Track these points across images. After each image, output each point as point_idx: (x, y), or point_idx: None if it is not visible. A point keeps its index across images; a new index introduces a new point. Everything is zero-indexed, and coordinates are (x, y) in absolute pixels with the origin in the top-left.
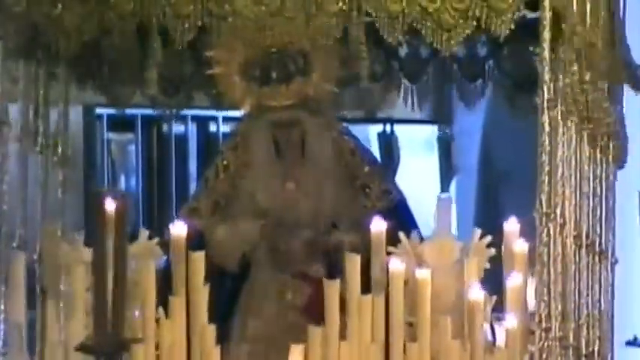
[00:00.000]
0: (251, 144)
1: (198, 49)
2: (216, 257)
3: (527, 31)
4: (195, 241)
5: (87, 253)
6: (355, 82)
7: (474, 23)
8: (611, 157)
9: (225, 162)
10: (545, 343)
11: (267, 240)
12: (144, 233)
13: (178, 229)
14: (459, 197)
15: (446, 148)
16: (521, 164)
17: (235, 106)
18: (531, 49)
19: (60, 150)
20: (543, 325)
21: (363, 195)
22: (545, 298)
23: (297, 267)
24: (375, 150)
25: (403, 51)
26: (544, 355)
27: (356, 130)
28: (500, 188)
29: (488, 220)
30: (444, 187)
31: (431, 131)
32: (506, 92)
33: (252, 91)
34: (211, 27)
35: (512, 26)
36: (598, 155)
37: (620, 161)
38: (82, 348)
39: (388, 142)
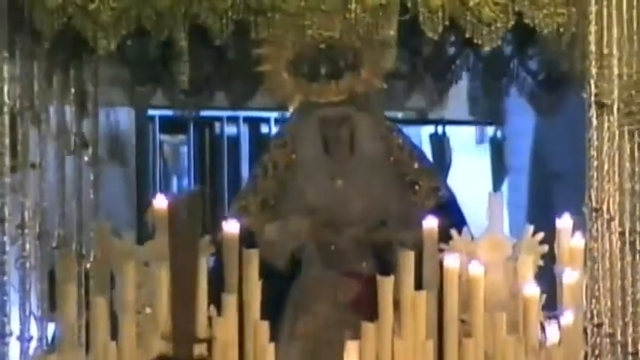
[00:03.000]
0: (299, 141)
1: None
2: (266, 255)
3: None
4: (245, 239)
5: (137, 251)
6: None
7: (515, 18)
8: None
9: (273, 160)
10: (597, 340)
11: (316, 238)
12: None
13: (231, 226)
14: (511, 197)
15: (498, 149)
16: (574, 163)
17: (284, 104)
18: None
19: (90, 151)
20: (595, 321)
21: (412, 192)
22: (597, 294)
23: (346, 264)
24: (427, 151)
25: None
26: (596, 352)
27: (408, 131)
28: (553, 188)
29: (541, 220)
30: (496, 186)
31: (483, 132)
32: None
33: (301, 87)
34: (249, 22)
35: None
36: (637, 153)
37: None
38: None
39: (440, 143)
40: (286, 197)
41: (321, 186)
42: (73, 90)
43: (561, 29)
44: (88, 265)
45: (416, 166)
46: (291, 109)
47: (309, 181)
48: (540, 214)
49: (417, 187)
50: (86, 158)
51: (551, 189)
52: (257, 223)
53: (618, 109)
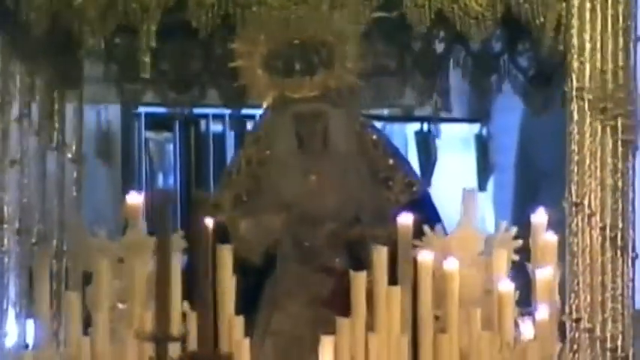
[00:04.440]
0: (273, 137)
1: (213, 45)
2: (240, 251)
3: None
4: (219, 235)
5: (111, 247)
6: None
7: (502, 10)
8: (630, 151)
9: (247, 156)
10: (576, 334)
11: (290, 233)
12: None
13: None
14: (496, 194)
15: (484, 146)
16: (560, 161)
17: (258, 99)
18: None
19: (74, 148)
20: (574, 316)
21: (386, 188)
22: (576, 288)
23: (320, 260)
24: (413, 148)
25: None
26: (574, 347)
27: (393, 128)
28: (539, 185)
29: (526, 218)
30: (482, 184)
31: (468, 129)
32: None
33: (276, 83)
34: (235, 17)
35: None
36: (620, 148)
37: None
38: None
39: (425, 141)
40: (260, 193)
41: (294, 182)
42: (56, 86)
43: (548, 23)
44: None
45: (390, 162)
46: (264, 105)
47: (283, 176)
48: (526, 211)
49: (390, 183)
50: (69, 155)
51: (537, 186)
52: (231, 218)
53: (596, 103)
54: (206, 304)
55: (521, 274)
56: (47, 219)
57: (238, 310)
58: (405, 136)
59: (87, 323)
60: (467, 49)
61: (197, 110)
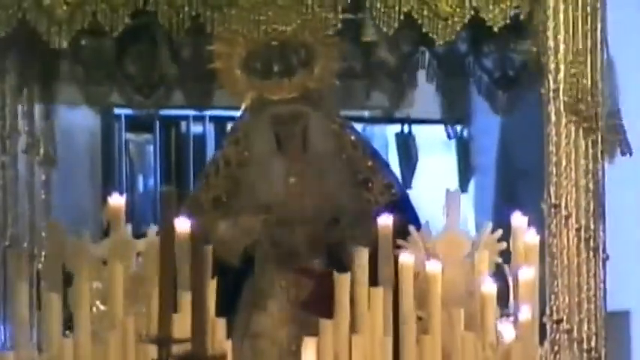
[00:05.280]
0: (252, 138)
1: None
2: (218, 252)
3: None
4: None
5: (93, 248)
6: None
7: (471, 13)
8: (599, 152)
9: (225, 157)
10: (557, 336)
11: (269, 235)
12: (152, 229)
13: (182, 224)
14: (477, 195)
15: (464, 147)
16: (540, 162)
17: (236, 101)
18: None
19: (42, 150)
20: (555, 317)
21: (365, 189)
22: (556, 290)
23: (299, 262)
24: (393, 150)
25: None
26: (555, 348)
27: (374, 130)
28: (519, 186)
29: (507, 219)
30: (463, 185)
31: (449, 131)
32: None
33: (254, 84)
34: (205, 18)
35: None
36: (590, 150)
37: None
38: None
39: (406, 142)
40: (239, 194)
41: (273, 183)
42: (26, 88)
43: (517, 25)
44: (40, 265)
45: (369, 163)
46: (243, 106)
47: (262, 178)
48: (507, 212)
49: (370, 185)
50: (38, 158)
51: (517, 187)
52: (209, 220)
53: (570, 105)
54: (200, 304)
55: (498, 276)
56: (20, 222)
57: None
58: (386, 137)
59: (66, 325)
60: (438, 52)
61: (177, 112)
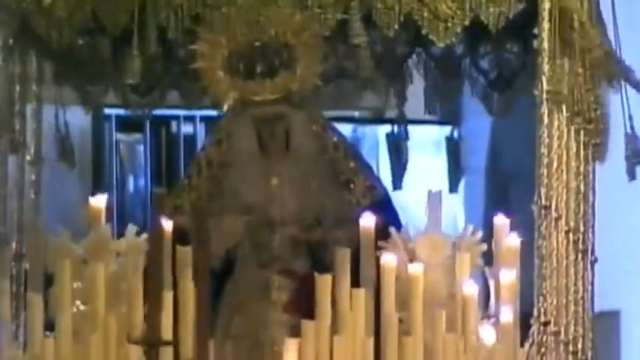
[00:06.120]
0: (234, 139)
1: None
2: None
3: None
4: (179, 238)
5: (74, 249)
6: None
7: (471, 15)
8: (590, 155)
9: (208, 158)
10: (543, 338)
11: (251, 236)
12: (131, 229)
13: (164, 224)
14: (468, 197)
15: (455, 149)
16: (531, 164)
17: (218, 101)
18: None
19: (32, 150)
20: (542, 319)
21: (347, 190)
22: (544, 292)
23: (280, 263)
24: (384, 150)
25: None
26: (542, 350)
27: (364, 131)
28: (510, 188)
29: None
30: (453, 187)
31: (439, 132)
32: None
33: (236, 85)
34: (204, 17)
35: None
36: (582, 152)
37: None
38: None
39: (396, 143)
40: (221, 195)
41: (255, 184)
42: (17, 87)
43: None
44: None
45: (351, 164)
46: (225, 107)
47: (244, 179)
48: (497, 214)
49: (352, 186)
50: (28, 157)
51: (508, 189)
52: (191, 221)
53: (567, 107)
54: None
55: (478, 278)
56: (7, 221)
57: None
58: (377, 138)
59: (47, 325)
60: (428, 53)
61: (168, 112)
